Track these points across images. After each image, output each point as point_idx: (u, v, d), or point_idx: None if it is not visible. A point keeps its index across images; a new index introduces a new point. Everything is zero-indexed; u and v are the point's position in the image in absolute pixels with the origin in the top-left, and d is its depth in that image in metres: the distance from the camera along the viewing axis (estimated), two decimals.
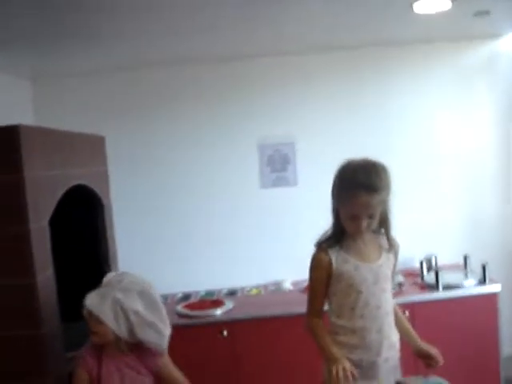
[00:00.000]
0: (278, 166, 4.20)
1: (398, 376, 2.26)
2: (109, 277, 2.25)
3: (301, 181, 4.20)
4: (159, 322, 2.21)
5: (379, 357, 2.16)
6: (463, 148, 4.21)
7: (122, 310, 2.14)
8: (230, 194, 4.23)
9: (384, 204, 2.15)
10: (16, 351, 2.20)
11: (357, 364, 2.10)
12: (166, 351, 2.28)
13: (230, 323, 3.58)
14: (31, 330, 2.19)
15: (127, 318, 2.14)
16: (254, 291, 4.12)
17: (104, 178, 3.32)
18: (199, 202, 4.25)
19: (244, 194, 4.24)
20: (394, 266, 2.28)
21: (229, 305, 3.74)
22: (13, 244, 2.17)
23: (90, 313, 2.15)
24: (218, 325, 3.56)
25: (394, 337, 2.22)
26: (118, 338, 2.18)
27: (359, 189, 2.07)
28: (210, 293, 4.14)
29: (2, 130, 2.15)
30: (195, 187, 4.23)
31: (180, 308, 3.67)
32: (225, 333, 3.55)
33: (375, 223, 2.16)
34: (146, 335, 2.19)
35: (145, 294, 2.20)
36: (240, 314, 3.62)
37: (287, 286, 4.10)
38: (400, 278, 3.71)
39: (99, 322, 2.15)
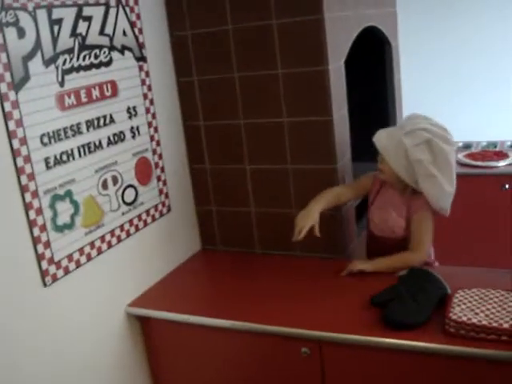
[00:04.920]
0: None
1: None
2: (407, 117, 2.21)
3: None
4: (442, 178, 2.10)
5: None
6: None
7: (406, 155, 2.09)
8: None
9: None
10: (312, 182, 2.40)
11: None
12: (443, 210, 2.19)
13: None
14: (326, 164, 2.36)
15: (410, 164, 2.10)
16: None
17: (393, 18, 3.26)
18: (488, 51, 3.99)
19: None
20: None
21: None
22: (312, 83, 2.28)
23: (378, 149, 2.18)
24: (500, 177, 3.45)
25: None
26: (400, 180, 2.17)
27: None
28: (492, 144, 3.98)
29: None
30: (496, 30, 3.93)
31: (461, 157, 3.61)
32: (506, 186, 3.43)
33: None
34: (426, 186, 2.12)
35: (434, 145, 2.08)
36: None
37: None
38: None
39: (384, 160, 2.17)
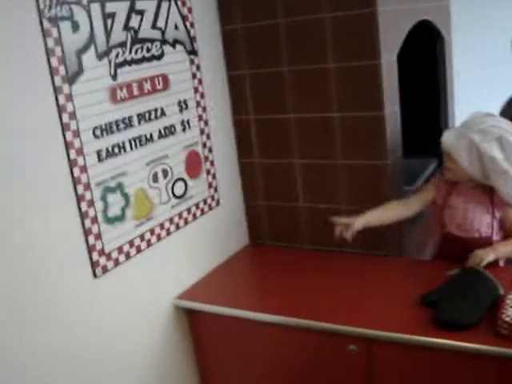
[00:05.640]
0: None
1: None
2: (471, 116, 2.18)
3: None
4: None
5: None
6: None
7: (478, 153, 2.07)
8: None
9: None
10: (363, 178, 2.38)
11: None
12: None
13: None
14: (377, 159, 2.32)
15: (482, 163, 2.08)
16: None
17: (446, 12, 3.19)
18: None
19: None
20: None
21: None
22: (365, 77, 2.25)
23: (446, 149, 2.15)
24: None
25: None
26: (471, 178, 2.15)
27: None
28: None
29: None
30: None
31: None
32: None
33: None
34: (499, 183, 2.10)
35: (504, 141, 2.06)
36: None
37: None
38: None
39: (453, 159, 2.14)
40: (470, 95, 3.62)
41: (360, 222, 2.21)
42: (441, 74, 3.12)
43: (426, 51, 3.10)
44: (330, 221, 2.24)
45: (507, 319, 1.74)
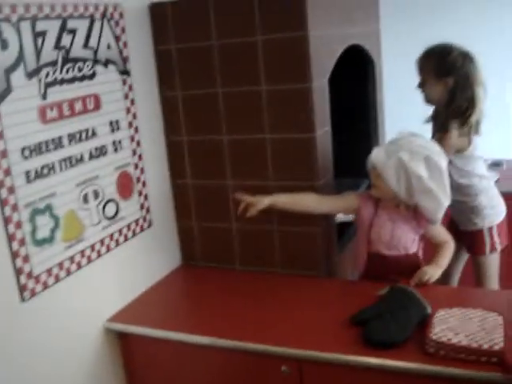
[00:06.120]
0: None
1: None
2: (399, 135, 2.25)
3: None
4: (439, 192, 2.17)
5: None
6: None
7: (405, 172, 2.14)
8: None
9: None
10: None
11: None
12: (438, 221, 2.27)
13: None
14: (308, 180, 2.36)
15: (408, 181, 2.14)
16: None
17: (376, 36, 3.28)
18: None
19: None
20: None
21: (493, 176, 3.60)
22: (296, 100, 2.29)
23: (374, 166, 2.22)
24: None
25: None
26: (396, 196, 2.21)
27: None
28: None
29: None
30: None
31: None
32: None
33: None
34: (423, 201, 2.18)
35: (431, 161, 2.15)
36: (505, 187, 3.48)
37: None
38: None
39: (381, 177, 2.20)
40: (397, 117, 3.72)
41: (266, 200, 2.28)
42: (371, 97, 3.21)
43: (358, 74, 3.18)
44: (237, 197, 2.33)
45: (434, 337, 1.79)
